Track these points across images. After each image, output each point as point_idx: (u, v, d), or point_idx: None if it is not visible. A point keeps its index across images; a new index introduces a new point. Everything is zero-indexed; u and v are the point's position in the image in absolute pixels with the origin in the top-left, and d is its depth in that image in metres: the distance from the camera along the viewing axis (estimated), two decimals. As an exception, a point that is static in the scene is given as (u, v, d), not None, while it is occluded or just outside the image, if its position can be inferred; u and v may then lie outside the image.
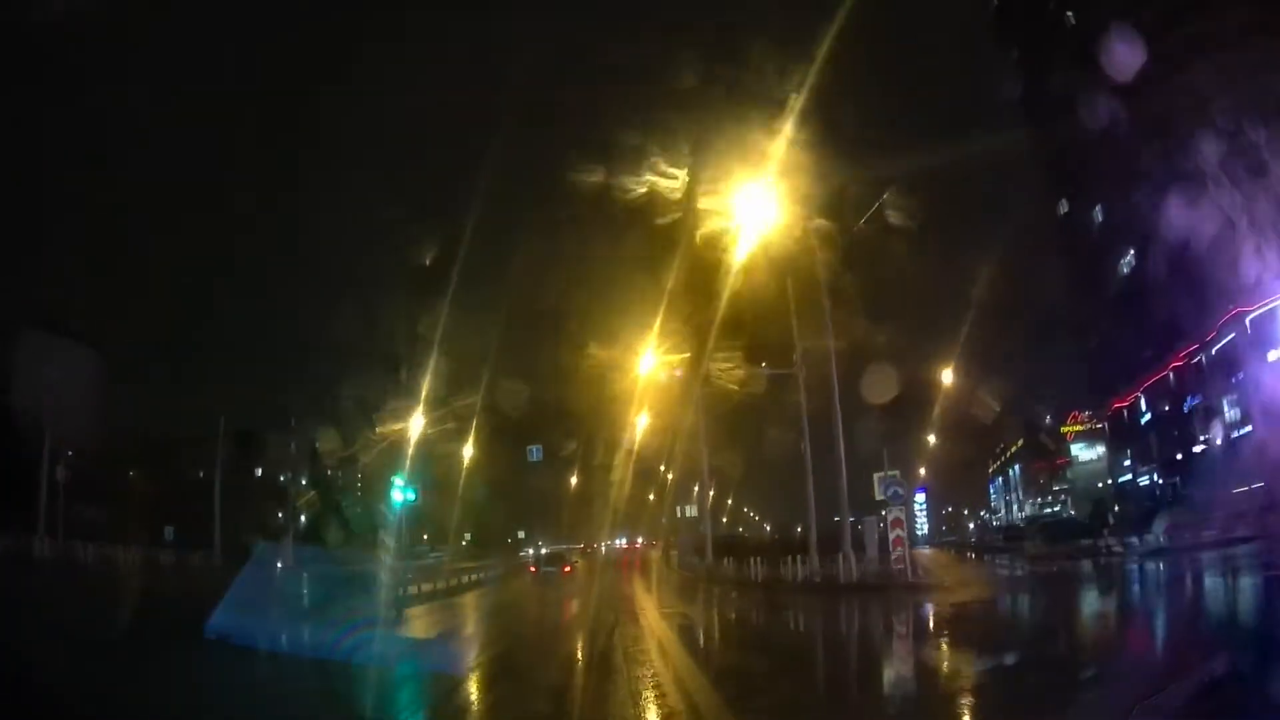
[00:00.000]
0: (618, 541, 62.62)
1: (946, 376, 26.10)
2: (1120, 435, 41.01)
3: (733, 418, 39.06)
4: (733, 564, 28.87)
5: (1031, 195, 49.31)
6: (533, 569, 42.19)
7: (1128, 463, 40.49)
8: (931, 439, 39.83)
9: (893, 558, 19.77)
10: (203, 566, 22.76)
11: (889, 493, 19.85)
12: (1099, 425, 50.66)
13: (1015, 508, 64.24)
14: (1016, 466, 61.81)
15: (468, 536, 69.14)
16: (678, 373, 24.31)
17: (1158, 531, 29.40)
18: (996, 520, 69.93)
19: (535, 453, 36.17)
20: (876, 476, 20.26)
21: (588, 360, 29.60)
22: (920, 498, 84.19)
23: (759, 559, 25.38)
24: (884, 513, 20.86)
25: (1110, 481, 42.46)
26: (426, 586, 24.23)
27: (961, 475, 70.19)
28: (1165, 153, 34.37)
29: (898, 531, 20.00)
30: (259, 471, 55.66)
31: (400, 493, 25.42)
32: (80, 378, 46.55)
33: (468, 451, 41.77)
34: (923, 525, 79.41)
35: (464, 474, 41.13)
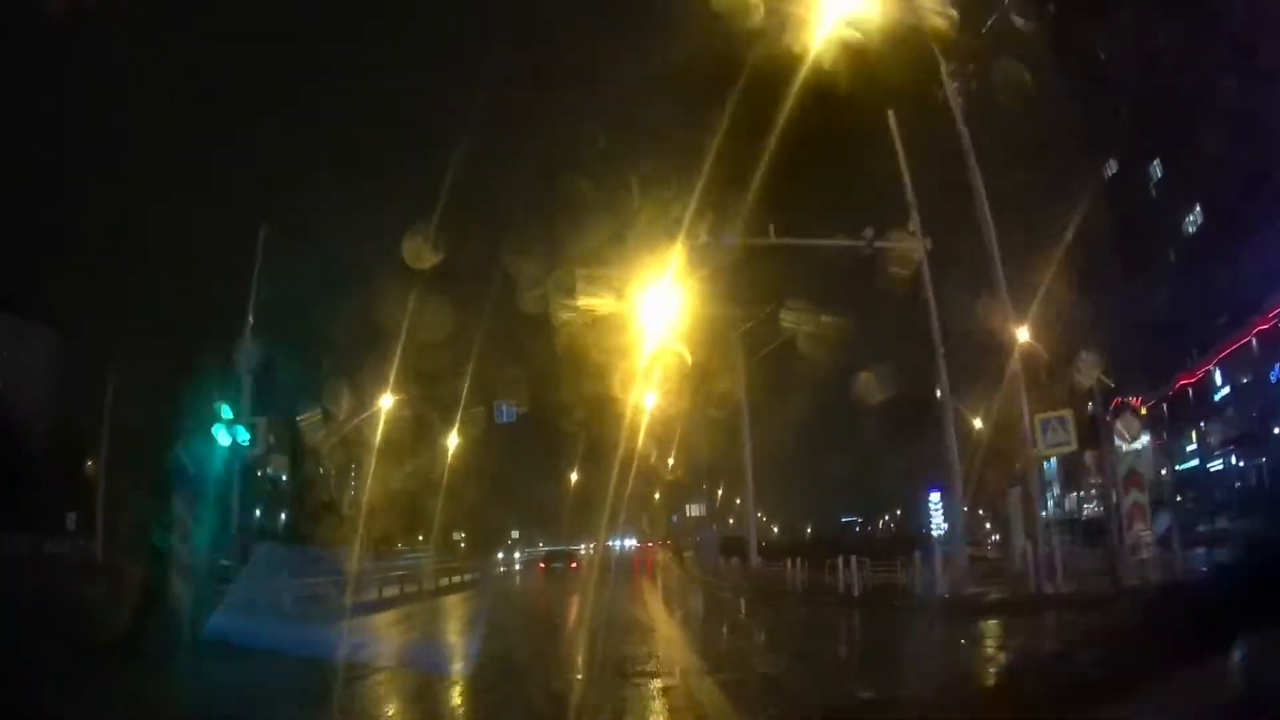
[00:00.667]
0: (616, 542, 58.32)
1: (1022, 335, 19.18)
2: (1183, 416, 36.63)
3: (735, 411, 35.28)
4: (802, 569, 21.17)
5: (1071, 162, 45.20)
6: (541, 565, 45.00)
7: (1192, 446, 36.13)
8: (979, 422, 35.48)
9: (1133, 543, 11.72)
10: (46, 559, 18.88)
11: (1123, 422, 13.14)
12: (1144, 411, 46.39)
13: (1050, 503, 59.65)
14: (1053, 459, 57.28)
15: (462, 536, 65.74)
16: (725, 241, 18.38)
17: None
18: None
19: (505, 412, 30.70)
20: (1041, 419, 14.76)
21: (588, 327, 25.48)
22: (935, 497, 79.98)
23: (849, 561, 17.50)
24: (1013, 488, 15.54)
25: (1175, 469, 38.00)
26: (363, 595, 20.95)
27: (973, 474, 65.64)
28: (1241, 86, 30.26)
29: (1135, 495, 12.27)
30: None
31: (226, 434, 15.20)
32: (35, 358, 43.19)
33: (452, 441, 38.17)
34: (939, 528, 74.96)
35: (448, 467, 37.51)
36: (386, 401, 28.97)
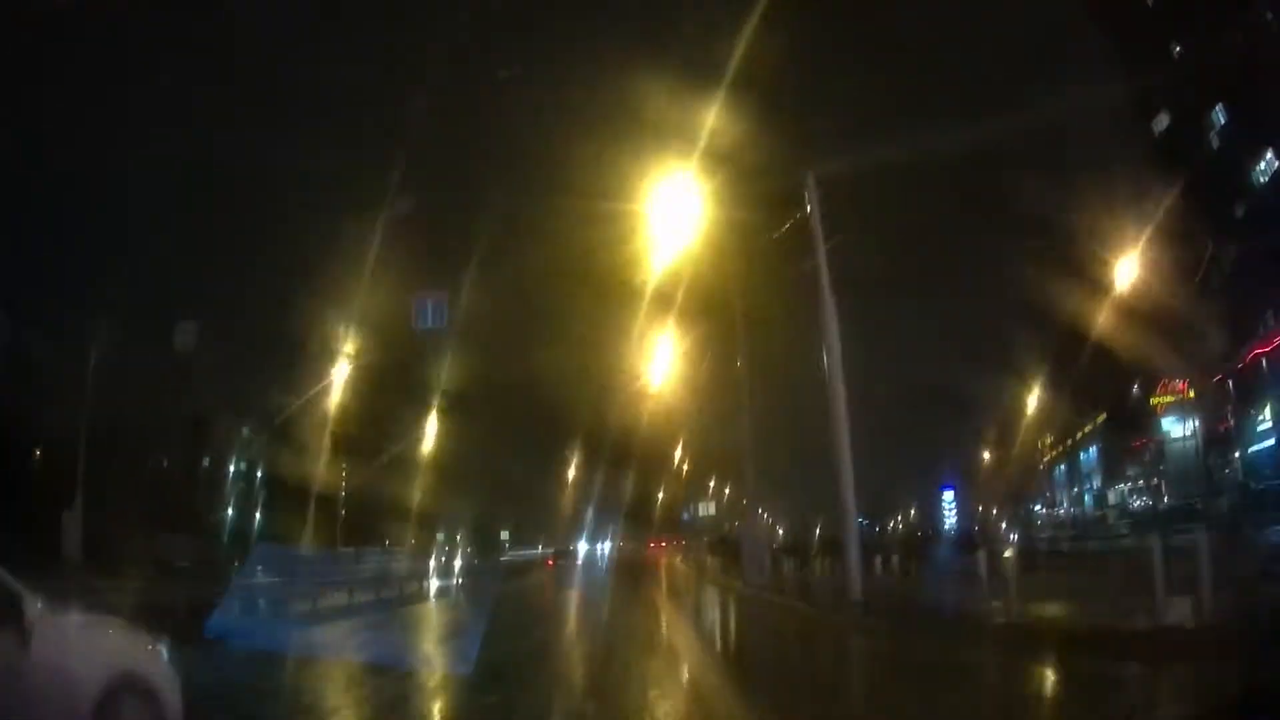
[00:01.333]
0: (620, 543, 54.24)
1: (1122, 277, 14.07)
2: (1257, 391, 32.36)
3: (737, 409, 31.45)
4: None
5: (1111, 117, 40.95)
6: (550, 562, 46.40)
7: (1267, 425, 31.80)
8: (1034, 398, 31.54)
9: None
10: None
11: None
12: (1193, 394, 42.32)
13: (1088, 498, 55.35)
14: (1092, 449, 52.87)
15: (460, 538, 62.10)
16: None
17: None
18: (1061, 514, 61.07)
19: (432, 313, 22.55)
20: None
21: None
22: (948, 495, 76.02)
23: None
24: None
25: (1239, 454, 33.68)
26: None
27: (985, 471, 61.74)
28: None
29: None
30: (206, 460, 48.47)
31: None
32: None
33: (430, 430, 34.66)
34: (954, 525, 71.03)
35: (422, 459, 33.89)
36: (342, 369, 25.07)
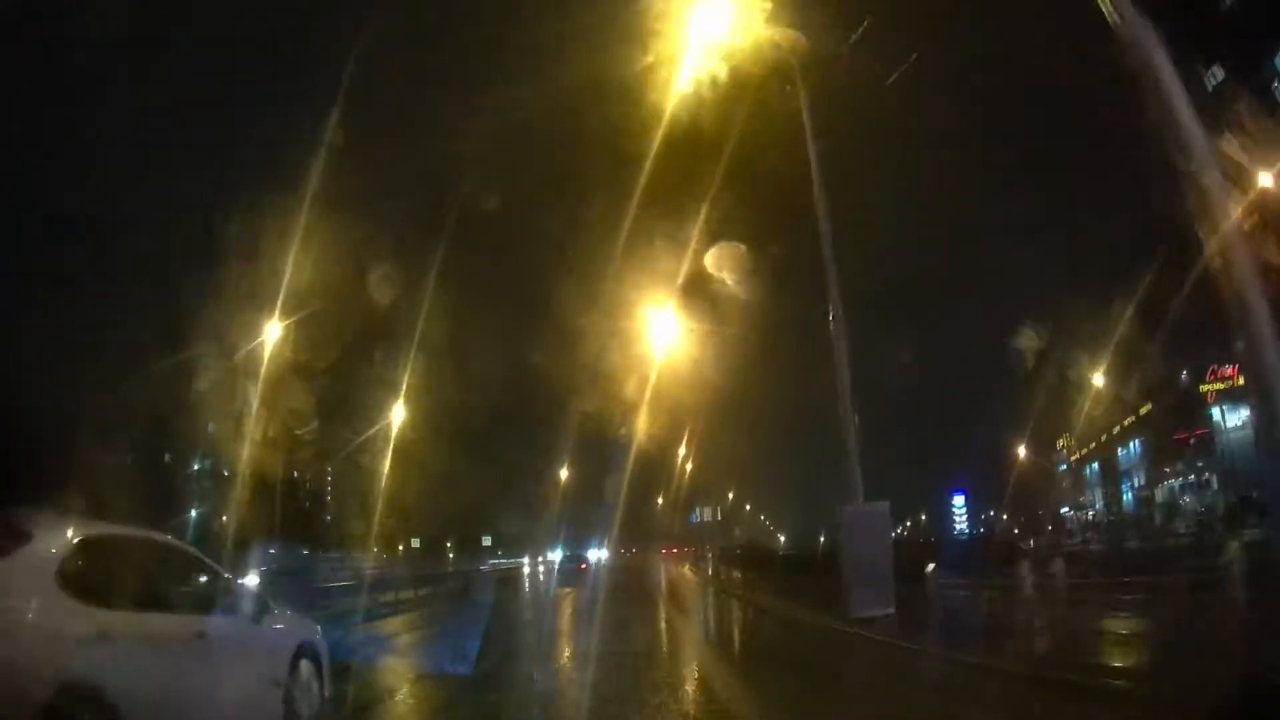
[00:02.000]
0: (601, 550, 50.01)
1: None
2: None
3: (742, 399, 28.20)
4: None
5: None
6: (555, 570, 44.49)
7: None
8: (1099, 379, 27.58)
9: None
10: None
11: None
12: (1242, 380, 38.52)
13: (1127, 495, 51.36)
14: (1135, 443, 48.85)
15: (451, 546, 59.09)
16: None
17: None
18: (1093, 516, 57.17)
19: None
20: None
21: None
22: (959, 500, 72.51)
23: None
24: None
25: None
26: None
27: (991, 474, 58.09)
28: None
29: None
30: (167, 457, 45.26)
31: None
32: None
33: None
34: (964, 530, 68.00)
35: (390, 456, 30.54)
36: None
